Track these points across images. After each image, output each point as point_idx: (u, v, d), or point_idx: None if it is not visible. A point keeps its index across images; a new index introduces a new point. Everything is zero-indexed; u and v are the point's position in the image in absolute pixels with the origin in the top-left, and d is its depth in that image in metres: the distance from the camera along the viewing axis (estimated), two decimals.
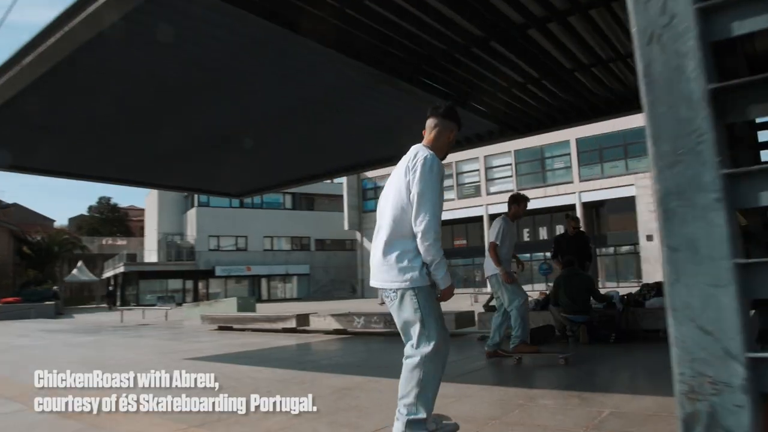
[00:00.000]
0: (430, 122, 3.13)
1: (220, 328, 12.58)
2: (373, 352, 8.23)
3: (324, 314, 10.82)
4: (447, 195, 39.34)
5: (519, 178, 37.17)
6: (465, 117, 4.65)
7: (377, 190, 43.98)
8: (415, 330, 2.81)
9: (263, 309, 18.58)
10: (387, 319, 9.02)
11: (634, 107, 7.58)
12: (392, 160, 6.56)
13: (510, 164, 37.48)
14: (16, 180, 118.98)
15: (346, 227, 43.79)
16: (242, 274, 45.03)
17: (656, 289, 7.89)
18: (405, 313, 2.85)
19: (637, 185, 33.03)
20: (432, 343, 2.77)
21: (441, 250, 2.79)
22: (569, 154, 35.42)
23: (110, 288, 38.18)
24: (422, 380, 2.73)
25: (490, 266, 6.14)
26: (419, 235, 2.81)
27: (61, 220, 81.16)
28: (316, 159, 10.94)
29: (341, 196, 51.19)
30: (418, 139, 3.21)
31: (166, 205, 47.48)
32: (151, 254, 46.36)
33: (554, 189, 35.60)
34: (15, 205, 61.08)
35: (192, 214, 45.32)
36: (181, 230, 46.93)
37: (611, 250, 35.30)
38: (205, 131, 8.55)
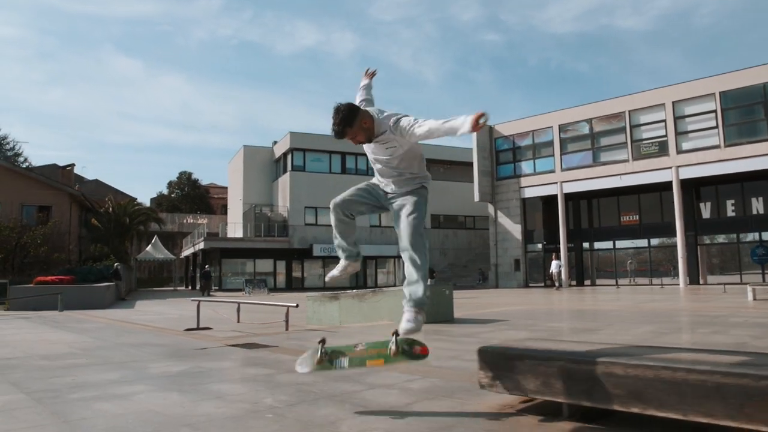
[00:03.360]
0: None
1: None
2: None
3: None
4: (618, 155, 29.52)
5: (727, 130, 26.74)
6: None
7: (516, 151, 34.51)
8: None
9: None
10: None
11: None
12: None
13: (713, 111, 27.07)
14: (101, 155, 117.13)
15: (476, 198, 34.59)
16: None
17: None
18: None
19: None
20: None
21: None
22: None
23: (205, 268, 30.23)
24: None
25: None
26: None
27: (141, 200, 76.56)
28: None
29: (460, 164, 42.23)
30: None
31: (253, 170, 39.84)
32: (235, 229, 38.86)
33: None
34: (96, 181, 55.95)
35: (285, 180, 37.35)
36: (270, 201, 39.17)
37: None
38: None
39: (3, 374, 4.92)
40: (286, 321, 8.70)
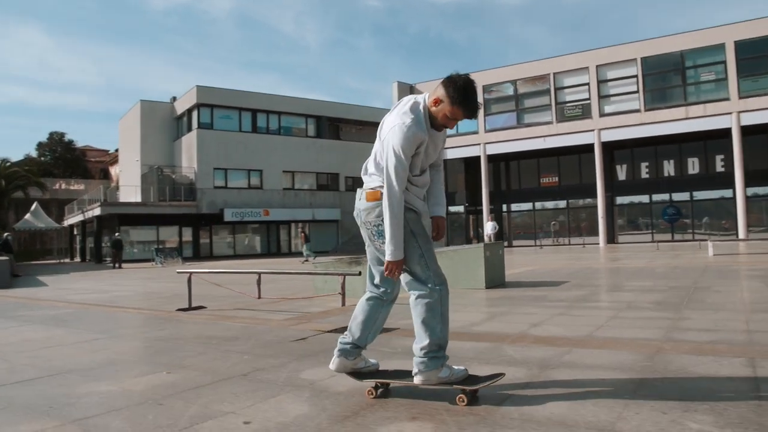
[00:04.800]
0: (437, 88, 2.78)
1: None
2: None
3: None
4: (541, 117, 29.74)
5: (647, 94, 27.69)
6: None
7: None
8: None
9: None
10: None
11: None
12: None
13: (634, 76, 27.89)
14: None
15: None
16: (259, 219, 34.38)
17: None
18: None
19: None
20: None
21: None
22: (724, 62, 26.03)
23: (115, 235, 26.31)
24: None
25: None
26: None
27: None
28: None
29: (374, 124, 40.91)
30: None
31: (152, 127, 36.01)
32: (131, 192, 35.06)
33: (700, 108, 26.31)
34: None
35: (190, 139, 34.07)
36: (172, 162, 35.69)
37: None
38: None
39: None
40: (342, 294, 7.10)
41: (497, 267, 8.86)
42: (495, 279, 8.64)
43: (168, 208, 32.10)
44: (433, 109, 2.78)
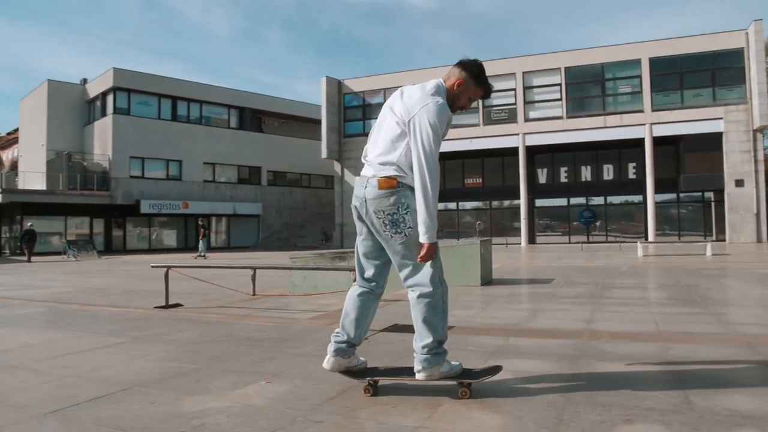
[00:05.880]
0: (455, 72, 2.88)
1: None
2: None
3: None
4: (469, 119, 30.47)
5: (569, 102, 29.11)
6: None
7: (366, 109, 33.85)
8: None
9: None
10: None
11: None
12: None
13: (558, 84, 29.23)
14: None
15: (323, 155, 33.18)
16: (177, 212, 32.83)
17: None
18: None
19: (726, 119, 26.38)
20: None
21: None
22: (639, 76, 27.86)
23: (28, 225, 23.97)
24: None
25: None
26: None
27: None
28: None
29: (298, 119, 40.42)
30: None
31: (60, 110, 33.35)
32: (35, 179, 32.38)
33: (617, 119, 28.02)
34: None
35: (104, 124, 31.86)
36: (82, 148, 33.28)
37: (685, 196, 28.66)
38: None
39: None
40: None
41: (488, 264, 8.98)
42: (486, 276, 8.74)
43: (78, 197, 29.91)
44: (456, 91, 2.85)
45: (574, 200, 30.93)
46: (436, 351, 2.78)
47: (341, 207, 33.85)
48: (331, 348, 2.93)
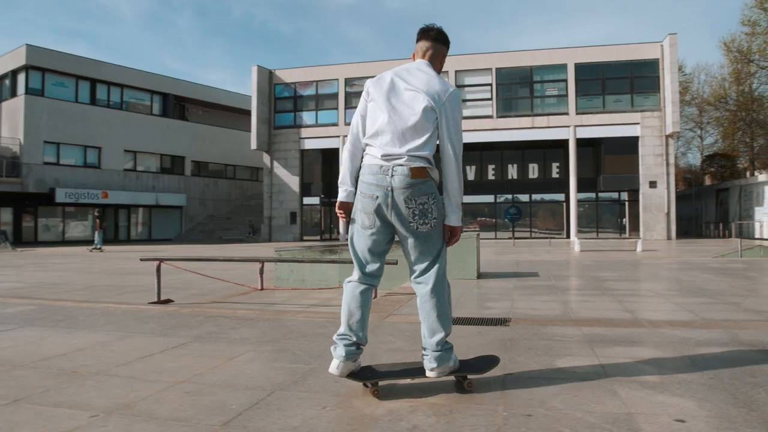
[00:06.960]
0: (422, 45, 2.87)
1: None
2: None
3: None
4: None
5: (499, 102, 30.18)
6: None
7: (298, 100, 33.46)
8: None
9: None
10: None
11: None
12: None
13: (489, 84, 30.23)
14: None
15: (253, 146, 32.43)
16: (96, 201, 30.93)
17: None
18: None
19: (643, 125, 28.35)
20: None
21: None
22: (565, 80, 29.35)
23: None
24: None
25: None
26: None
27: None
28: None
29: (225, 107, 39.31)
30: None
31: None
32: None
33: (544, 120, 29.38)
34: None
35: (15, 105, 29.47)
36: None
37: (604, 195, 30.49)
38: None
39: None
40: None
41: (479, 258, 9.20)
42: (479, 270, 8.96)
43: None
44: (441, 66, 2.91)
45: (501, 197, 32.11)
46: (448, 346, 2.77)
47: (270, 200, 33.28)
48: (340, 352, 2.76)
